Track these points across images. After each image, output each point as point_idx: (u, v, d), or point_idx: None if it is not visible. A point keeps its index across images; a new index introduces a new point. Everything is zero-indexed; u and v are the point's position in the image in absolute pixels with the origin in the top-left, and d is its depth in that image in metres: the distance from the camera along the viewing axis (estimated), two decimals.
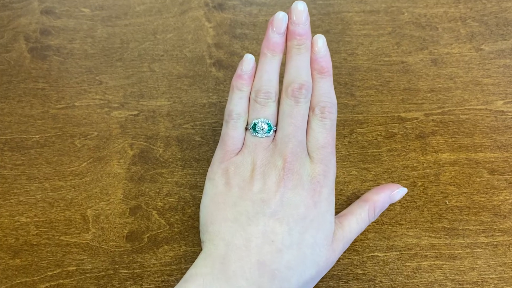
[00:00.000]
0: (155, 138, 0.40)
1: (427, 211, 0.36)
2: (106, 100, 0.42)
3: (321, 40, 0.32)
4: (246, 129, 0.31)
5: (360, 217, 0.32)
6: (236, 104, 0.31)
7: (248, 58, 0.32)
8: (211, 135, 0.40)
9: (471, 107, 0.41)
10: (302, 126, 0.31)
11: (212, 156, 0.35)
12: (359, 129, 0.40)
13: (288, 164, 0.29)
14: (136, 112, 0.41)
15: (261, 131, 0.30)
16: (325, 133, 0.31)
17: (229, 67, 0.44)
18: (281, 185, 0.29)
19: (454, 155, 0.39)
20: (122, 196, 0.37)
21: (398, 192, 0.34)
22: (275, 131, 0.31)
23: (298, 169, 0.29)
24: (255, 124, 0.31)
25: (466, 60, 0.44)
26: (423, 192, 0.37)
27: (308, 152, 0.31)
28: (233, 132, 0.31)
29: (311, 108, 0.31)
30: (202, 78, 0.43)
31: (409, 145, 0.39)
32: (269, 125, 0.31)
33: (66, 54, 0.45)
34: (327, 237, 0.29)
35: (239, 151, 0.31)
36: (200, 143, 0.39)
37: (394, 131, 0.40)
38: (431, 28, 0.46)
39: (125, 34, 0.46)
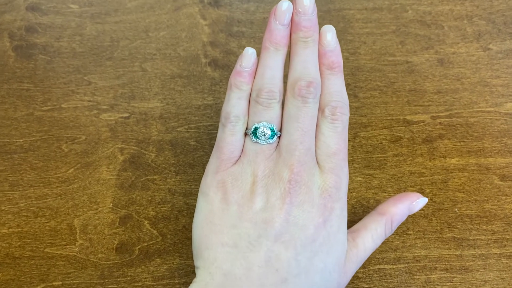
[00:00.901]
0: (147, 142, 0.38)
1: (436, 220, 0.34)
2: (95, 102, 0.40)
3: (330, 32, 0.28)
4: (246, 134, 0.28)
5: (375, 232, 0.29)
6: (234, 105, 0.28)
7: (249, 53, 0.28)
8: (207, 139, 0.38)
9: (480, 109, 0.39)
10: (311, 131, 0.27)
11: (208, 161, 0.33)
12: (363, 133, 0.38)
13: (294, 176, 0.26)
14: (126, 115, 0.39)
15: (262, 136, 0.27)
16: (336, 137, 0.27)
17: (225, 67, 0.42)
18: (286, 201, 0.25)
19: (463, 160, 0.37)
20: (111, 204, 0.35)
21: (418, 202, 0.30)
22: (279, 136, 0.27)
23: (307, 181, 0.26)
24: (256, 129, 0.27)
25: (474, 60, 0.42)
26: (431, 199, 0.35)
27: (317, 161, 0.27)
28: (230, 137, 0.27)
29: (320, 109, 0.28)
30: (197, 78, 0.41)
31: (416, 150, 0.37)
32: (272, 130, 0.27)
33: (53, 52, 0.43)
34: (339, 260, 0.26)
35: (237, 160, 0.27)
36: (195, 148, 0.37)
37: (399, 134, 0.38)
38: (437, 27, 0.44)
39: (116, 32, 0.44)
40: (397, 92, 0.40)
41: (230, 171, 0.27)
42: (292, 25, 0.29)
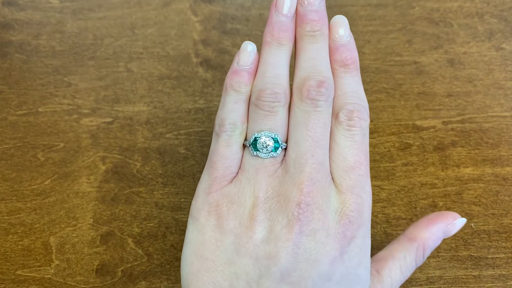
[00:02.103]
0: (131, 150, 0.35)
1: (451, 236, 0.31)
2: (75, 105, 0.37)
3: (342, 24, 0.24)
4: (244, 146, 0.23)
5: (404, 262, 0.24)
6: (231, 110, 0.23)
7: (248, 49, 0.24)
8: (198, 146, 0.35)
9: (494, 114, 0.36)
10: (323, 141, 0.22)
11: (200, 172, 0.30)
12: (370, 139, 0.35)
13: (305, 197, 0.21)
14: (109, 120, 0.36)
15: (264, 149, 0.22)
16: (355, 148, 0.22)
17: (219, 67, 0.39)
18: (294, 229, 0.21)
19: (478, 170, 0.34)
20: (91, 220, 0.32)
21: (454, 224, 0.25)
22: (285, 148, 0.23)
23: (320, 204, 0.21)
24: (256, 139, 0.22)
25: (486, 60, 0.39)
26: None
27: (332, 178, 0.22)
28: (225, 149, 0.23)
29: (333, 115, 0.23)
30: (188, 79, 0.38)
31: (427, 158, 0.34)
32: (275, 141, 0.22)
33: (30, 51, 0.40)
34: None
35: (234, 178, 0.23)
36: (185, 156, 0.34)
37: (409, 141, 0.35)
38: (445, 25, 0.41)
39: (99, 29, 0.41)
40: (405, 95, 0.37)
41: (225, 191, 0.23)
42: (297, 18, 0.25)
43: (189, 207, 0.33)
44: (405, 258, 0.24)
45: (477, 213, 0.32)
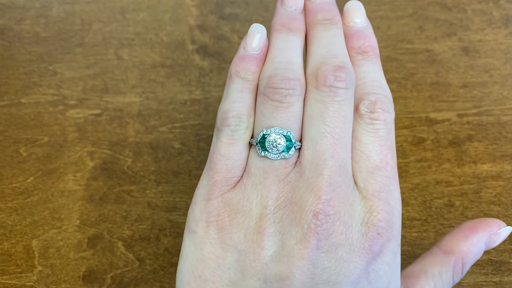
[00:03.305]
0: (122, 144, 0.33)
1: None
2: (61, 96, 0.35)
3: (358, 9, 0.22)
4: (250, 144, 0.20)
5: (439, 280, 0.21)
6: (235, 101, 0.21)
7: (257, 31, 0.22)
8: (194, 140, 0.33)
9: None
10: (345, 138, 0.19)
11: (197, 169, 0.28)
12: None
13: (324, 206, 0.18)
14: (98, 111, 0.34)
15: (274, 148, 0.19)
16: (379, 145, 0.20)
17: (216, 55, 0.37)
18: (311, 244, 0.18)
19: (497, 166, 0.32)
20: (78, 221, 0.30)
21: (500, 234, 0.22)
22: (299, 148, 0.20)
23: (343, 214, 0.18)
24: (264, 137, 0.19)
25: (503, 49, 0.37)
26: (462, 214, 0.30)
27: (355, 181, 0.20)
28: (227, 148, 0.20)
29: (353, 107, 0.20)
30: (183, 68, 0.36)
31: (442, 154, 0.32)
32: (288, 139, 0.19)
33: (12, 37, 0.38)
34: None
35: (238, 182, 0.20)
36: (180, 151, 0.32)
37: (422, 136, 0.33)
38: (459, 10, 0.39)
39: (87, 14, 0.39)
40: (417, 86, 0.35)
41: (227, 198, 0.19)
42: (306, 11, 0.22)
43: (185, 206, 0.31)
44: (440, 274, 0.21)
45: (496, 213, 0.30)
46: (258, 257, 0.18)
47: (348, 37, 0.22)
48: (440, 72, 0.36)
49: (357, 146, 0.20)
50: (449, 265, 0.21)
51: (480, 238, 0.22)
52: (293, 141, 0.19)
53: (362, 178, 0.19)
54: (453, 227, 0.30)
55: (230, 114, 0.20)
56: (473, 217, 0.30)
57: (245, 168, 0.20)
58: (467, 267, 0.22)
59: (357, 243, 0.18)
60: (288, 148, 0.19)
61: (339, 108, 0.19)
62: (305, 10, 0.23)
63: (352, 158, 0.20)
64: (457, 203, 0.31)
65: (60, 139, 0.33)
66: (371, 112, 0.20)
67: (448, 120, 0.34)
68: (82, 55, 0.37)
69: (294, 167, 0.19)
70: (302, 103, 0.20)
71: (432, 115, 0.34)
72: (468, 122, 0.34)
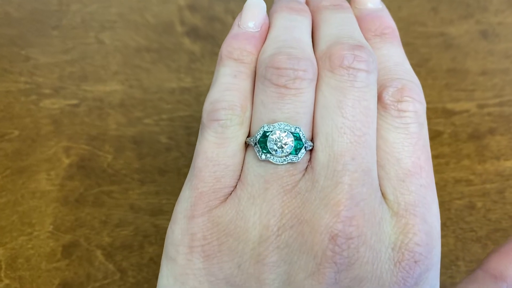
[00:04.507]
0: (101, 139, 0.31)
1: (493, 244, 0.27)
2: (34, 84, 0.33)
3: None
4: (247, 144, 0.17)
5: None
6: (227, 88, 0.17)
7: (255, 5, 0.18)
8: (183, 134, 0.31)
9: None
10: (368, 135, 0.16)
11: (186, 166, 0.28)
12: None
13: (344, 226, 0.14)
14: (76, 102, 0.32)
15: (279, 150, 0.15)
16: (410, 144, 0.16)
17: (209, 38, 0.35)
18: (326, 279, 0.14)
19: None
20: (51, 227, 0.28)
21: None
22: (311, 150, 0.16)
23: (369, 236, 0.15)
24: (265, 135, 0.16)
25: None
26: (484, 217, 0.28)
27: (382, 192, 0.16)
28: (216, 150, 0.16)
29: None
30: (171, 52, 0.34)
31: (461, 149, 0.30)
32: (297, 137, 0.15)
33: None
34: None
35: (231, 194, 0.16)
36: (167, 147, 0.30)
37: (439, 128, 0.31)
38: None
39: None
40: (432, 73, 0.33)
41: (215, 216, 0.16)
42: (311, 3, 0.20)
43: (173, 209, 0.28)
44: None
45: None
46: None
47: (362, 20, 0.19)
48: (457, 58, 0.34)
49: (382, 147, 0.16)
50: None
51: None
52: (303, 140, 0.15)
53: (392, 188, 0.16)
54: (475, 231, 0.27)
55: (220, 106, 0.16)
56: (497, 221, 0.28)
57: (240, 176, 0.16)
58: None
59: (387, 276, 0.15)
60: (296, 150, 0.15)
61: (360, 97, 0.16)
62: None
63: (377, 162, 0.16)
64: (479, 204, 0.28)
65: (32, 133, 0.30)
66: (398, 101, 0.16)
67: (467, 111, 0.32)
68: (58, 38, 0.34)
69: (304, 175, 0.16)
70: (314, 91, 0.16)
71: (449, 106, 0.32)
72: (489, 114, 0.32)
